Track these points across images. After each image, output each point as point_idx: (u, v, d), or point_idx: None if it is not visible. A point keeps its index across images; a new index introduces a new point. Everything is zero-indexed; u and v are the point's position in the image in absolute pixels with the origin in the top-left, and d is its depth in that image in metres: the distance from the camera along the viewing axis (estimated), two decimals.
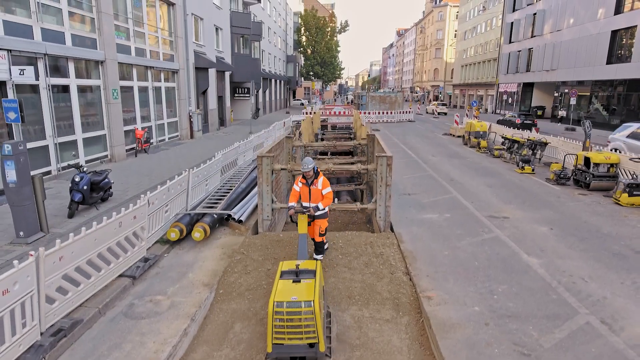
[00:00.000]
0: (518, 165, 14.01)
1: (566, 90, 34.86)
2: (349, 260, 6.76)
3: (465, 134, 20.43)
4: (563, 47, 35.10)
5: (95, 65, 13.72)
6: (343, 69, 54.71)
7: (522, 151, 15.18)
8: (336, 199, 13.05)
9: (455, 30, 70.36)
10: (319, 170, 6.12)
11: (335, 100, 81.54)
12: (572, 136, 25.49)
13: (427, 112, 47.12)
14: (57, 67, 11.97)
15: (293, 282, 4.33)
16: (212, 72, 24.21)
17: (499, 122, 28.46)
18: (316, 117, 21.50)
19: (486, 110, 52.27)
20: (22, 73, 9.93)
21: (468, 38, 60.09)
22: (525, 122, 27.61)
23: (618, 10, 28.61)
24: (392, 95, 35.19)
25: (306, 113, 33.56)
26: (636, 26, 26.74)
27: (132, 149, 16.03)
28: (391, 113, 34.22)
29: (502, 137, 16.67)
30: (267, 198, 8.15)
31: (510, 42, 45.58)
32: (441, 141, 22.14)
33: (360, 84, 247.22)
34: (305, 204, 6.10)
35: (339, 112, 33.24)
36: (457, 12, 69.01)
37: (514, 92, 44.68)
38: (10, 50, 10.09)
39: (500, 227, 8.29)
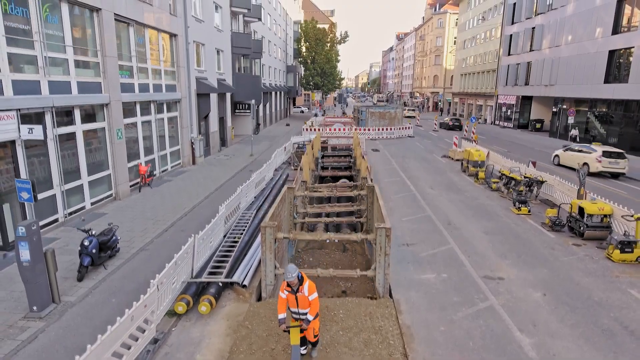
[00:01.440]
0: (514, 205, 14.30)
1: (564, 107, 35.18)
2: (349, 338, 7.05)
3: (464, 162, 20.72)
4: (562, 63, 35.40)
5: (100, 108, 14.01)
6: (343, 78, 54.93)
7: (519, 188, 15.49)
8: (336, 240, 13.38)
9: (455, 38, 70.59)
10: (303, 275, 6.06)
11: (335, 105, 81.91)
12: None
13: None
14: (63, 116, 12.25)
15: None
16: (213, 96, 24.48)
17: (441, 124, 44.20)
18: (316, 141, 21.73)
19: (485, 120, 52.56)
20: (30, 132, 10.25)
21: (467, 47, 60.32)
22: (454, 124, 42.58)
23: (615, 30, 28.90)
24: (392, 111, 35.46)
25: (306, 129, 33.89)
26: (633, 47, 27.03)
27: (136, 183, 16.32)
28: (390, 129, 34.51)
29: (499, 172, 16.98)
30: (270, 265, 8.45)
31: (509, 54, 45.88)
32: (440, 166, 22.42)
33: (360, 85, 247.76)
34: (293, 309, 6.13)
35: (339, 129, 33.59)
36: (457, 19, 69.25)
37: (513, 104, 44.95)
38: (20, 109, 10.37)
39: (495, 293, 8.59)
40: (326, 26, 53.26)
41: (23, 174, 10.63)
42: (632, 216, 10.25)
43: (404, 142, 32.63)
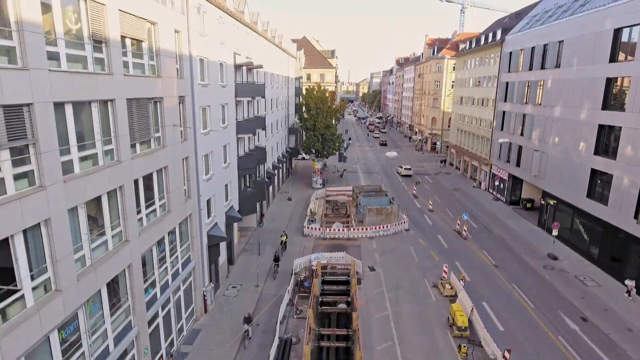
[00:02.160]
0: None
1: (551, 203, 37.12)
2: None
3: (450, 317, 22.95)
4: (550, 160, 37.27)
5: (131, 342, 16.20)
6: (343, 141, 57.11)
7: None
8: None
9: (453, 82, 72.33)
10: None
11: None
12: (554, 274, 27.00)
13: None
14: None
15: None
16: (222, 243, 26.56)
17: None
18: (315, 282, 24.10)
19: (480, 184, 54.55)
20: None
21: (464, 104, 62.06)
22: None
23: (597, 151, 30.75)
24: (388, 207, 37.61)
25: (306, 227, 36.11)
26: (612, 175, 28.83)
27: None
28: (387, 227, 36.69)
29: None
30: None
31: (502, 129, 47.77)
32: (430, 313, 24.43)
33: (360, 94, 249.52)
34: None
35: (339, 229, 35.88)
36: (454, 64, 70.91)
37: (505, 180, 46.85)
38: None
39: None
40: (327, 94, 55.10)
41: None
42: None
43: (399, 244, 34.70)
